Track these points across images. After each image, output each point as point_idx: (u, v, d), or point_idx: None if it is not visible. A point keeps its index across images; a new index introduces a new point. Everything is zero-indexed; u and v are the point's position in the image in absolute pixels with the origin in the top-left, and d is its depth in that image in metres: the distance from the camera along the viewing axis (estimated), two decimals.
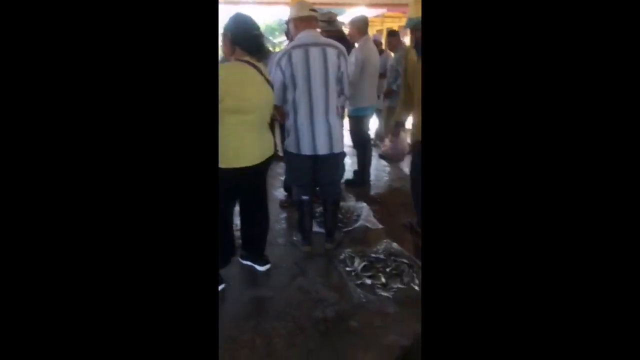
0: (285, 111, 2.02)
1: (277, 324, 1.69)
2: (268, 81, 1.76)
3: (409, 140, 2.72)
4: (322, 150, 2.00)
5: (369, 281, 1.93)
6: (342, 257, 2.15)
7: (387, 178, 3.57)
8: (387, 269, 1.99)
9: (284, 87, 1.95)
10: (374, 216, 2.67)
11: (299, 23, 1.97)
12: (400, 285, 1.90)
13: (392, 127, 2.59)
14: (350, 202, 2.89)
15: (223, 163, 1.56)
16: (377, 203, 2.94)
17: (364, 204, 2.81)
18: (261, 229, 1.99)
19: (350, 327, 1.66)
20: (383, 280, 1.92)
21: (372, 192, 3.21)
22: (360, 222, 2.59)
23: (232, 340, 1.58)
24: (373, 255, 2.13)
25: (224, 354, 1.48)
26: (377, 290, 1.87)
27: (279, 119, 2.13)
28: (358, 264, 2.04)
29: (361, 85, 2.93)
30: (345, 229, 2.50)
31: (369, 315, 1.73)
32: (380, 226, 2.55)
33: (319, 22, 2.08)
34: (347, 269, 2.05)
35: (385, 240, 2.30)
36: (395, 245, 2.25)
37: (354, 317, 1.71)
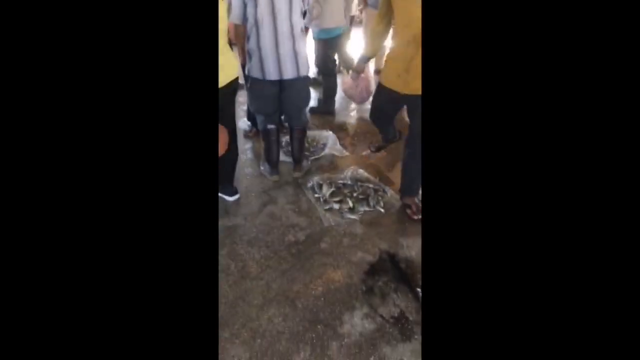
0: (246, 31, 1.86)
1: (250, 249, 1.75)
2: None
3: (372, 76, 2.33)
4: (289, 74, 1.90)
5: (337, 206, 2.01)
6: (310, 184, 2.19)
7: (352, 106, 3.54)
8: (354, 194, 2.07)
9: (244, 3, 1.77)
10: (340, 144, 2.69)
11: None
12: (367, 209, 2.00)
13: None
14: (316, 130, 2.87)
15: None
16: (343, 131, 2.94)
17: (330, 132, 2.81)
18: (230, 159, 1.94)
19: (321, 248, 1.76)
20: (350, 204, 2.00)
21: (338, 120, 3.19)
22: (326, 150, 2.61)
23: None
24: (340, 181, 2.19)
25: None
26: (345, 214, 1.97)
27: (233, 41, 1.95)
28: (326, 191, 2.10)
29: (327, 2, 2.72)
30: (312, 158, 2.52)
31: (338, 236, 1.83)
32: (346, 154, 2.59)
33: None
34: (316, 195, 2.11)
35: (351, 167, 2.35)
36: (361, 171, 2.32)
37: (324, 239, 1.81)
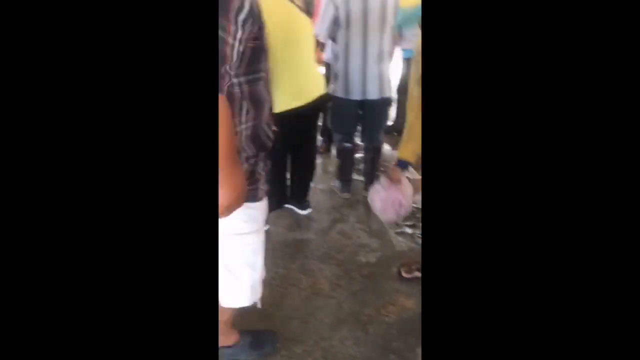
0: (333, 50, 1.92)
1: (321, 265, 1.76)
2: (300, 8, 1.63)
3: (411, 188, 1.62)
4: (373, 94, 1.92)
5: (409, 230, 1.96)
6: None
7: None
8: None
9: (335, 24, 1.82)
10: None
11: None
12: None
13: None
14: (388, 150, 2.85)
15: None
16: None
17: None
18: (308, 173, 1.99)
19: (393, 273, 1.72)
20: None
21: None
22: None
23: (280, 277, 1.67)
24: (413, 205, 2.13)
25: (272, 290, 1.57)
26: (418, 239, 1.91)
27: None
28: None
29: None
30: None
31: (410, 262, 1.78)
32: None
33: None
34: None
35: None
36: None
37: (396, 264, 1.76)
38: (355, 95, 1.92)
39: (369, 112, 2.01)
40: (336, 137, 2.17)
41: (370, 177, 2.26)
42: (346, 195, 2.26)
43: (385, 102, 2.00)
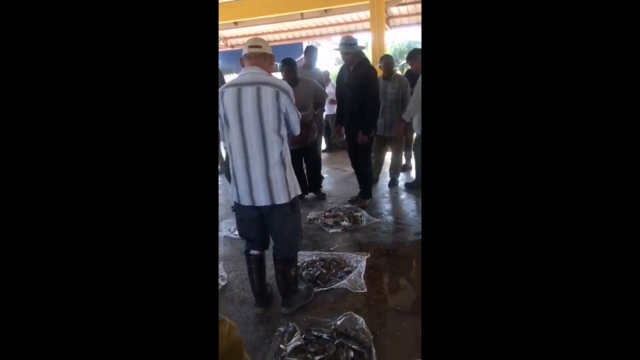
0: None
1: None
2: None
3: None
4: (261, 201, 1.74)
5: None
6: (283, 328, 1.79)
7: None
8: (317, 357, 1.54)
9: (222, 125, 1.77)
10: (366, 276, 2.19)
11: (244, 61, 1.80)
12: None
13: None
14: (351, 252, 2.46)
15: None
16: (384, 257, 2.42)
17: (365, 258, 2.36)
18: None
19: None
20: None
21: (391, 241, 2.67)
22: (343, 281, 2.15)
23: None
24: (321, 333, 1.70)
25: None
26: None
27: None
28: (292, 342, 1.65)
29: None
30: (321, 288, 2.11)
31: None
32: (362, 290, 2.07)
33: (268, 59, 1.82)
34: (281, 346, 1.68)
35: (348, 313, 1.83)
36: (360, 320, 1.76)
37: None
38: (244, 201, 1.77)
39: (266, 220, 1.80)
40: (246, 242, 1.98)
41: (284, 292, 1.94)
42: (258, 309, 1.96)
43: (280, 210, 1.78)
